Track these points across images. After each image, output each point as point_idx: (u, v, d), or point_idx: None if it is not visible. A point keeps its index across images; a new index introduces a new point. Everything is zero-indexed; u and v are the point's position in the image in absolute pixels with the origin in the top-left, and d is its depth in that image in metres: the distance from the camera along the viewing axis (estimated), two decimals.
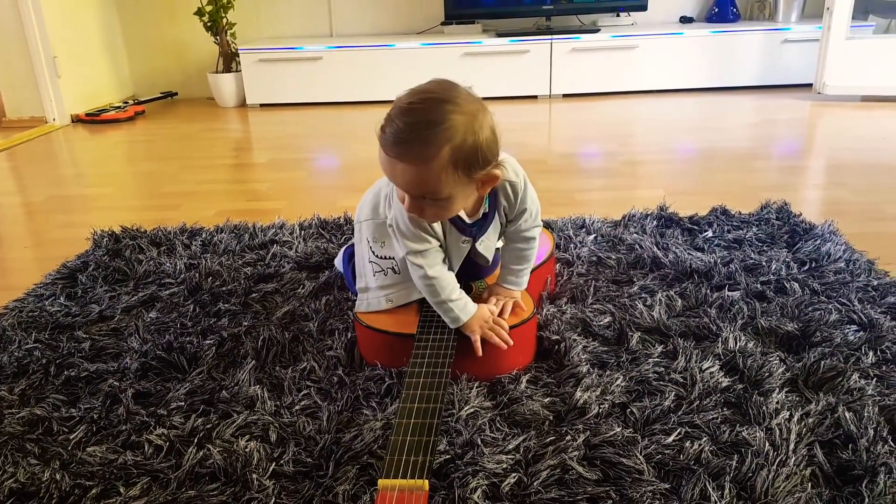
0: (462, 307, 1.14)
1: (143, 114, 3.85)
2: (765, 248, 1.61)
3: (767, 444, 0.95)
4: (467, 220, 1.16)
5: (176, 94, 4.29)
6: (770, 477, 0.88)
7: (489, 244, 1.21)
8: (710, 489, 0.87)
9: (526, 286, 1.24)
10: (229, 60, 3.96)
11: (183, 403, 1.10)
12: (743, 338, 1.22)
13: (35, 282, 1.58)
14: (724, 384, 1.09)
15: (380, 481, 0.82)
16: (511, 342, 1.13)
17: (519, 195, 1.15)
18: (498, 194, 1.15)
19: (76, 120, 3.69)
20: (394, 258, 1.22)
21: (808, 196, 2.11)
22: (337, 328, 1.31)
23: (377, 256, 1.24)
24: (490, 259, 1.24)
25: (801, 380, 1.10)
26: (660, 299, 1.36)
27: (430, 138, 0.95)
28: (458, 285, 1.17)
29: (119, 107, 3.82)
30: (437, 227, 1.14)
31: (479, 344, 1.12)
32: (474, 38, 3.83)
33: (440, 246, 1.16)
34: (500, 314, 1.18)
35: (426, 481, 0.81)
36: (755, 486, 0.88)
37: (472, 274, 1.30)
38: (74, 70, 3.72)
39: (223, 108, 3.97)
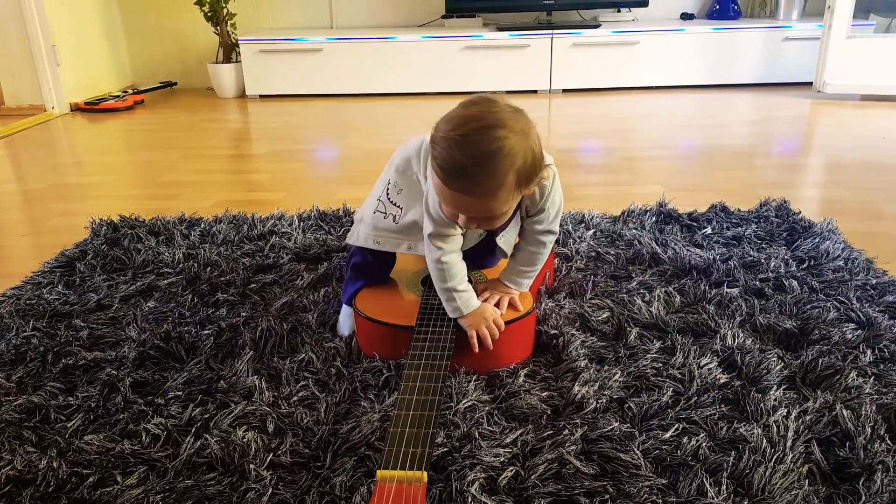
0: (466, 300, 1.15)
1: (143, 103, 3.84)
2: (764, 246, 1.61)
3: (765, 440, 0.95)
4: None
5: (175, 83, 4.27)
6: (767, 474, 0.89)
7: (509, 238, 1.21)
8: (708, 485, 0.87)
9: (526, 290, 1.24)
10: (229, 51, 3.95)
11: (181, 393, 1.10)
12: (741, 335, 1.22)
13: (33, 270, 1.58)
14: (721, 381, 1.09)
15: (378, 472, 0.82)
16: (490, 346, 1.12)
17: (545, 195, 1.15)
18: None
19: (75, 108, 3.68)
20: (401, 210, 1.22)
21: (808, 194, 2.11)
22: (335, 320, 1.31)
23: (388, 199, 1.24)
24: (509, 253, 1.23)
25: (799, 377, 1.10)
26: (658, 295, 1.37)
27: (495, 170, 0.96)
28: (468, 277, 1.17)
29: (118, 96, 3.80)
30: None
31: (475, 340, 1.12)
32: (475, 31, 3.82)
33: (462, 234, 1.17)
34: (496, 307, 1.18)
35: (425, 473, 0.81)
36: (752, 483, 0.88)
37: (486, 259, 1.30)
38: (74, 58, 3.71)
39: (223, 99, 3.95)
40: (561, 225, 1.71)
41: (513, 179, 0.98)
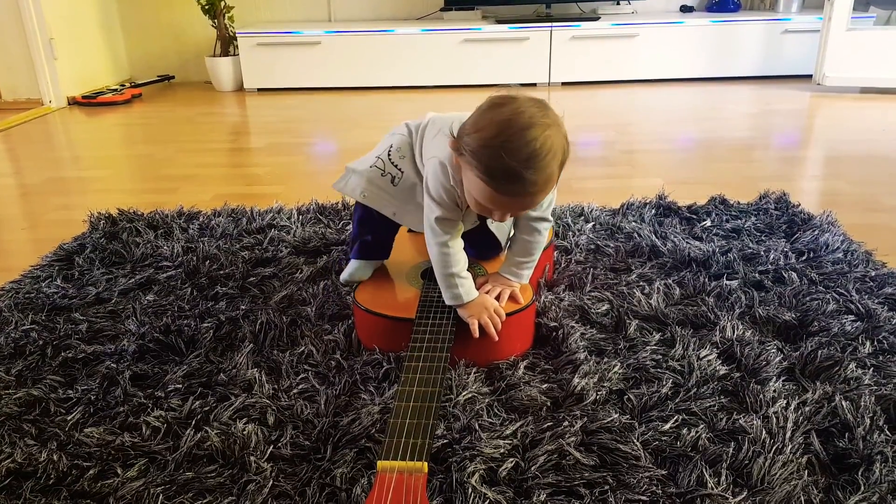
0: (467, 288, 1.15)
1: (140, 97, 3.83)
2: (763, 238, 1.61)
3: (764, 432, 0.95)
4: None
5: (173, 77, 4.26)
6: (766, 465, 0.89)
7: (502, 225, 1.22)
8: (707, 476, 0.88)
9: (526, 282, 1.24)
10: (227, 44, 3.94)
11: (180, 386, 1.10)
12: (741, 326, 1.22)
13: (31, 263, 1.58)
14: (721, 372, 1.09)
15: (379, 463, 0.82)
16: (495, 336, 1.12)
17: None
18: None
19: (72, 102, 3.67)
20: (402, 173, 1.24)
21: (807, 186, 2.11)
22: (335, 313, 1.31)
23: (389, 159, 1.26)
24: (503, 240, 1.25)
25: (798, 369, 1.10)
26: (658, 287, 1.37)
27: (545, 168, 0.99)
28: (466, 265, 1.18)
29: (116, 90, 3.79)
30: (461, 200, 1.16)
31: (475, 327, 1.12)
32: (474, 24, 3.81)
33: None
34: (497, 300, 1.18)
35: (425, 463, 0.81)
36: (752, 474, 0.88)
37: (482, 250, 1.31)
38: (71, 52, 3.69)
39: (220, 92, 3.95)
40: (560, 218, 1.73)
41: (557, 171, 1.02)
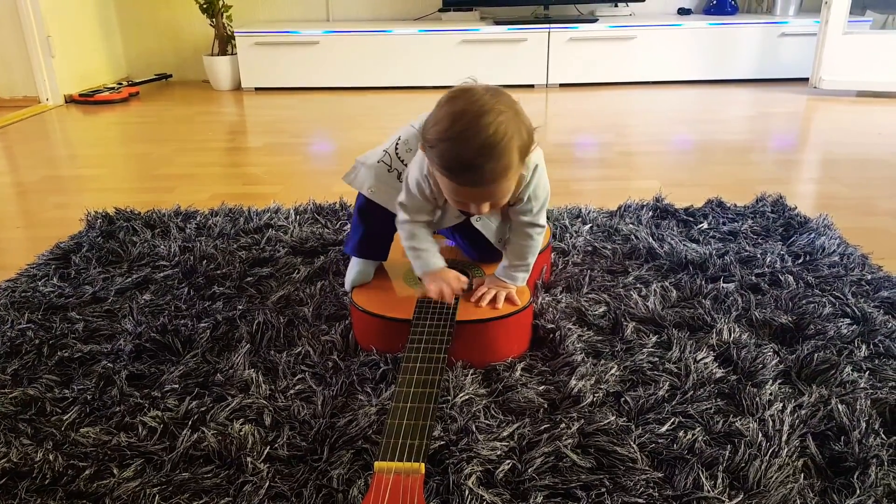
0: (424, 260, 1.21)
1: (138, 95, 3.82)
2: (760, 241, 1.61)
3: (760, 434, 0.95)
4: None
5: (170, 76, 4.26)
6: (763, 467, 0.89)
7: (488, 222, 1.23)
8: (703, 478, 0.88)
9: (522, 284, 1.24)
10: (225, 43, 3.93)
11: (177, 386, 1.09)
12: (737, 329, 1.22)
13: (28, 262, 1.57)
14: (717, 375, 1.09)
15: (376, 464, 0.82)
16: (448, 301, 1.16)
17: (524, 182, 1.15)
18: None
19: (69, 100, 3.66)
20: (407, 168, 1.25)
21: (803, 190, 2.12)
22: (332, 313, 1.31)
23: (396, 153, 1.26)
24: (493, 239, 1.25)
25: (795, 372, 1.11)
26: (655, 290, 1.37)
27: (501, 153, 0.99)
28: (433, 243, 1.23)
29: (113, 88, 3.79)
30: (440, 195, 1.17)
31: (432, 293, 1.16)
32: (472, 25, 3.81)
33: (436, 209, 1.22)
34: (493, 303, 1.18)
35: (422, 464, 0.81)
36: (748, 477, 0.88)
37: (482, 253, 1.31)
38: (68, 50, 3.68)
39: (218, 92, 3.94)
40: (558, 219, 1.73)
41: (517, 157, 1.02)
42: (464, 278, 1.21)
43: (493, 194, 1.06)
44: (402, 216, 1.21)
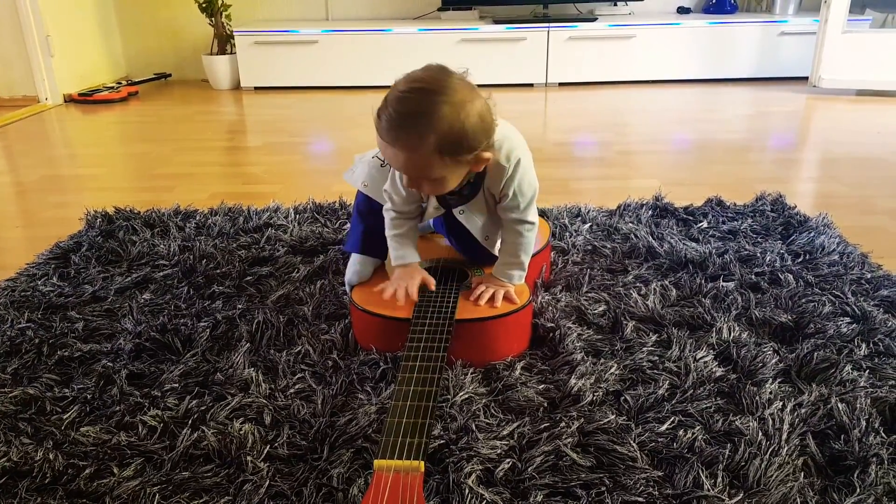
0: (399, 254, 1.24)
1: (137, 94, 3.82)
2: (759, 240, 1.61)
3: (760, 433, 0.95)
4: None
5: (170, 75, 4.26)
6: (763, 466, 0.89)
7: (472, 217, 1.23)
8: (703, 477, 0.88)
9: (520, 282, 1.24)
10: (224, 42, 3.93)
11: (177, 385, 1.09)
12: (737, 328, 1.22)
13: (27, 261, 1.57)
14: (717, 374, 1.09)
15: (375, 462, 0.82)
16: (399, 302, 1.18)
17: (503, 179, 1.16)
18: (486, 171, 1.17)
19: (69, 100, 3.66)
20: None
21: (803, 189, 2.12)
22: (332, 312, 1.31)
23: None
24: (479, 235, 1.26)
25: (795, 371, 1.11)
26: (654, 289, 1.37)
27: (417, 128, 1.01)
28: (413, 238, 1.27)
29: (112, 87, 3.79)
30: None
31: (389, 294, 1.20)
32: (471, 24, 3.81)
33: (420, 201, 1.25)
34: (491, 302, 1.18)
35: (422, 462, 0.81)
36: (748, 475, 0.88)
37: (467, 249, 1.31)
38: (68, 49, 3.68)
39: (217, 91, 3.94)
40: (557, 218, 1.73)
41: (433, 142, 1.02)
42: (431, 280, 1.22)
43: (409, 168, 1.07)
44: (387, 205, 1.25)
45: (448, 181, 1.10)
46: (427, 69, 1.06)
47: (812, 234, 1.59)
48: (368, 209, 1.30)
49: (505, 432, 0.96)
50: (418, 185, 1.11)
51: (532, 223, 1.22)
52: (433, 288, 1.21)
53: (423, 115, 1.01)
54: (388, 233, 1.26)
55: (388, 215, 1.26)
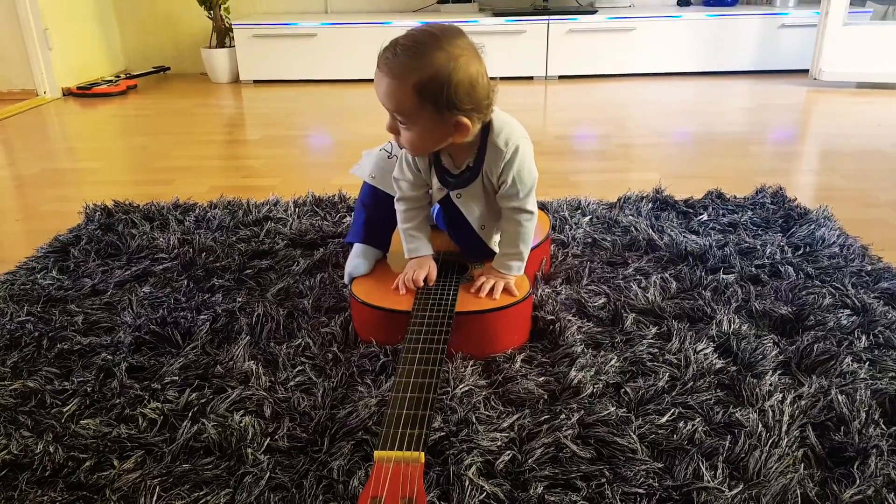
0: (412, 247, 1.26)
1: (136, 88, 3.81)
2: (759, 232, 1.61)
3: (760, 425, 0.95)
4: (451, 171, 1.22)
5: (168, 68, 4.24)
6: (763, 458, 0.89)
7: (469, 203, 1.23)
8: (703, 469, 0.88)
9: (519, 273, 1.24)
10: (223, 36, 3.92)
11: (177, 378, 1.09)
12: (737, 320, 1.22)
13: (26, 255, 1.57)
14: (717, 366, 1.10)
15: (376, 453, 0.82)
16: (400, 292, 1.20)
17: (501, 164, 1.16)
18: (486, 155, 1.17)
19: (67, 93, 3.65)
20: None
21: (803, 181, 2.11)
22: (332, 305, 1.31)
23: (398, 142, 1.29)
24: (475, 224, 1.25)
25: (795, 363, 1.11)
26: (654, 281, 1.37)
27: (408, 60, 1.06)
28: (427, 231, 1.28)
29: (111, 80, 3.78)
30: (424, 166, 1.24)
31: (400, 282, 1.22)
32: (471, 16, 3.80)
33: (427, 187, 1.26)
34: (491, 294, 1.18)
35: (422, 453, 0.81)
36: (748, 467, 0.88)
37: (464, 239, 1.31)
38: (66, 42, 3.67)
39: (216, 84, 3.93)
40: (557, 211, 1.72)
41: (414, 79, 1.05)
42: (433, 274, 1.23)
43: (386, 95, 1.08)
44: (398, 194, 1.26)
45: (423, 137, 1.12)
46: (447, 25, 1.11)
47: (812, 227, 1.59)
48: (373, 201, 1.31)
49: (505, 424, 0.97)
50: (396, 130, 1.13)
51: (531, 213, 1.22)
52: (431, 283, 1.21)
53: (417, 50, 1.05)
54: (401, 227, 1.27)
55: (399, 207, 1.27)
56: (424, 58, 1.05)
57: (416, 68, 1.05)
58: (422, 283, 1.20)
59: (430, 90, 1.06)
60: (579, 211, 1.75)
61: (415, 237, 1.27)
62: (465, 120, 1.10)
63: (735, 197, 1.83)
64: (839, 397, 1.00)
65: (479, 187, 1.21)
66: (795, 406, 0.99)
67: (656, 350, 1.14)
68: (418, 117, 1.09)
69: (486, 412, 1.00)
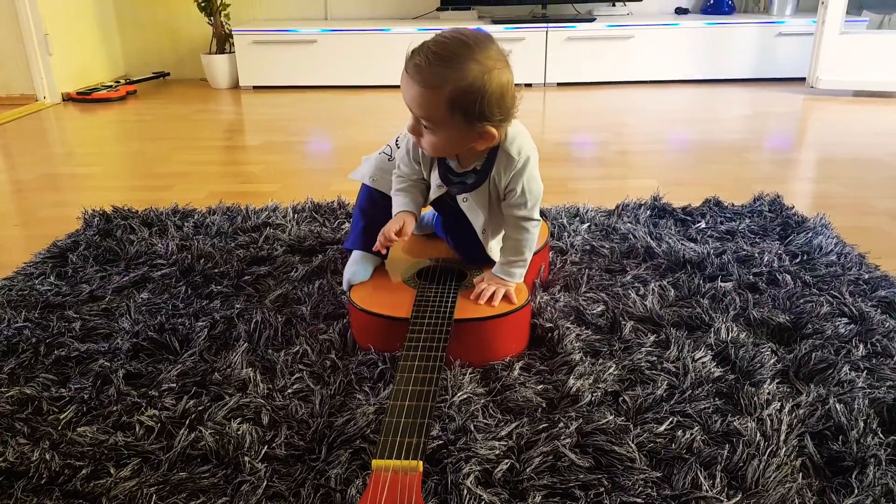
0: (403, 200, 1.25)
1: (135, 94, 3.81)
2: (757, 240, 1.61)
3: (758, 434, 0.95)
4: (455, 170, 1.21)
5: (168, 74, 4.25)
6: (761, 467, 0.89)
7: (474, 206, 1.23)
8: (702, 478, 0.88)
9: (520, 280, 1.24)
10: (223, 41, 3.93)
11: (174, 385, 1.09)
12: (735, 329, 1.22)
13: (25, 260, 1.57)
14: (716, 374, 1.09)
15: (373, 461, 0.82)
16: (379, 248, 1.21)
17: (511, 173, 1.17)
18: (496, 161, 1.17)
19: (67, 98, 3.65)
20: None
21: (800, 189, 2.12)
22: (330, 312, 1.30)
23: (396, 144, 1.31)
24: (478, 226, 1.25)
25: (793, 371, 1.11)
26: (653, 289, 1.37)
27: (442, 70, 1.04)
28: (418, 195, 1.27)
29: (110, 86, 3.78)
30: (425, 160, 1.24)
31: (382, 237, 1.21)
32: (470, 24, 3.80)
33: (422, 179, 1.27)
34: (490, 300, 1.18)
35: (420, 462, 0.81)
36: (746, 476, 0.88)
37: (463, 245, 1.32)
38: (66, 48, 3.67)
39: (216, 90, 3.93)
40: (556, 218, 1.73)
41: (448, 90, 1.04)
42: (409, 228, 1.22)
43: (416, 103, 1.09)
44: (396, 172, 1.28)
45: (449, 141, 1.11)
46: (476, 31, 1.09)
47: (810, 235, 1.59)
48: (371, 206, 1.31)
49: (503, 433, 0.96)
50: (419, 133, 1.12)
51: (537, 220, 1.23)
52: (405, 237, 1.21)
53: (450, 61, 1.04)
54: (393, 189, 1.27)
55: (398, 180, 1.27)
56: (458, 69, 1.04)
57: (450, 79, 1.04)
58: (393, 237, 1.20)
59: (462, 102, 1.05)
60: (578, 218, 1.75)
61: (402, 198, 1.26)
62: (493, 130, 1.10)
63: (733, 205, 1.83)
64: (837, 406, 1.00)
65: (485, 193, 1.21)
66: (793, 415, 0.99)
67: (654, 358, 1.14)
68: (446, 125, 1.09)
69: (485, 420, 0.99)
